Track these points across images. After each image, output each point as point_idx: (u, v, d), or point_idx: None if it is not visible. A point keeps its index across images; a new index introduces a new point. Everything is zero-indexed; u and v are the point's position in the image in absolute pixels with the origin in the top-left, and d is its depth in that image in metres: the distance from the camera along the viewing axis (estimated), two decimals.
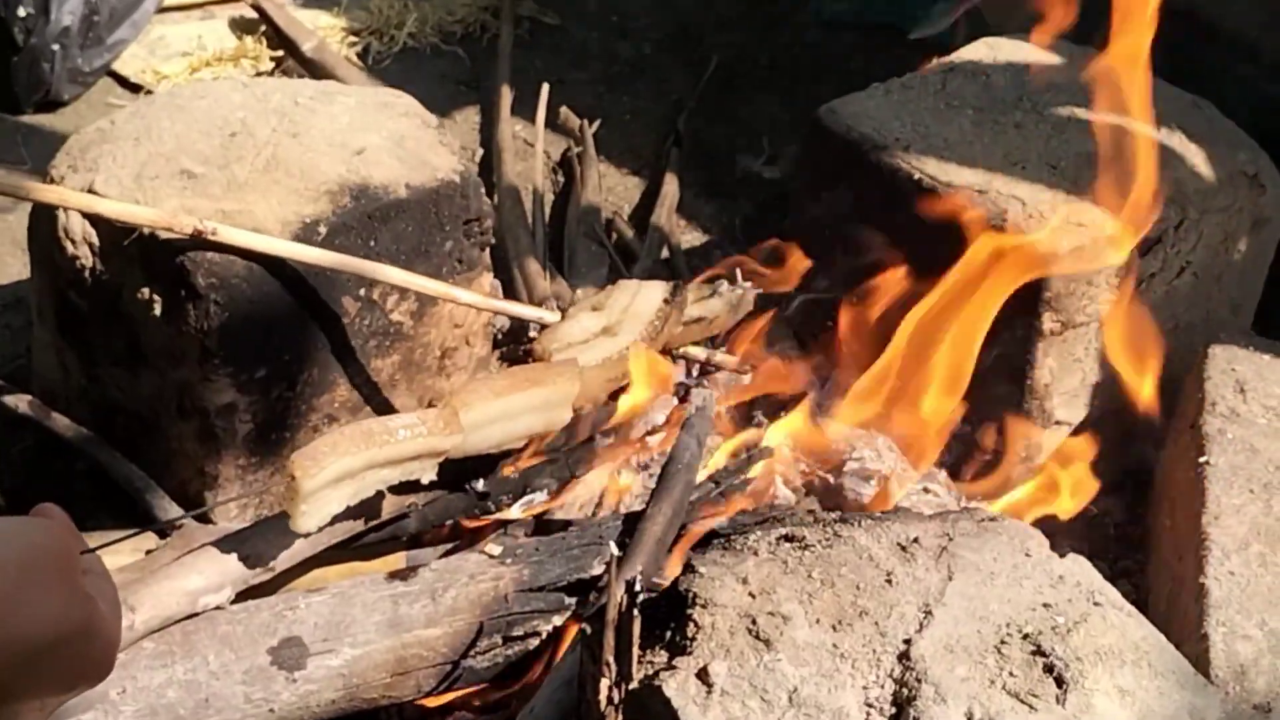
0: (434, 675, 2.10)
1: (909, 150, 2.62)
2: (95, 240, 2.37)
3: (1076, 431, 2.65)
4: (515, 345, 2.83)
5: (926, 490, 2.56)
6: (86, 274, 2.38)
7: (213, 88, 2.65)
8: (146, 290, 2.31)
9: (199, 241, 2.25)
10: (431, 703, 2.16)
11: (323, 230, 2.34)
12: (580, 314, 2.52)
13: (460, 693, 2.16)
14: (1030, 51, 2.90)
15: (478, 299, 2.55)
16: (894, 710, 1.65)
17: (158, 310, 2.31)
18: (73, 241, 2.38)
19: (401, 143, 2.53)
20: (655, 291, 2.54)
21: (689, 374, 2.68)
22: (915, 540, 1.89)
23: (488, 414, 2.23)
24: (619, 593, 1.72)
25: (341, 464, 2.03)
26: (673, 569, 2.13)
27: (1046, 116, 2.70)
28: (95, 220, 2.36)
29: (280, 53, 4.08)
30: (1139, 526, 2.66)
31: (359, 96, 2.67)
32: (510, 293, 3.03)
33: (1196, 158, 2.63)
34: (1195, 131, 2.69)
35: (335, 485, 2.03)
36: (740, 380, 2.67)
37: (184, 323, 2.29)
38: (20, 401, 2.57)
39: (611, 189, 3.74)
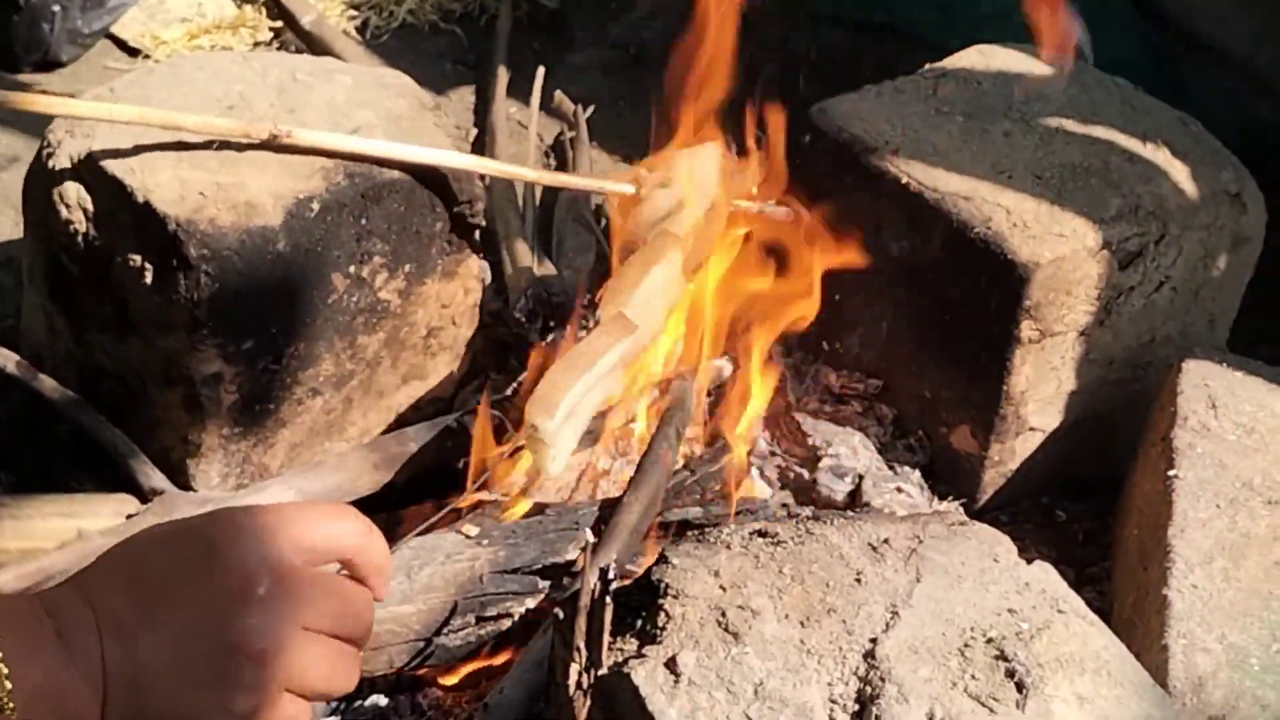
0: (406, 651, 2.13)
1: (897, 153, 2.64)
2: (90, 206, 2.39)
3: (1050, 438, 2.69)
4: (502, 327, 2.86)
5: (899, 490, 2.60)
6: (79, 239, 2.41)
7: (212, 60, 2.67)
8: (138, 258, 2.33)
9: (193, 208, 2.28)
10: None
11: (315, 206, 2.37)
12: (653, 193, 2.60)
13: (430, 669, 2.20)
14: (1022, 61, 2.93)
15: (572, 179, 2.93)
16: (857, 707, 1.68)
17: (149, 279, 2.33)
18: (67, 206, 2.40)
19: (397, 123, 2.56)
20: (710, 154, 2.64)
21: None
22: (886, 541, 1.92)
23: (638, 305, 2.39)
24: (592, 580, 1.75)
25: (569, 397, 2.19)
26: (646, 558, 2.17)
27: (1034, 127, 2.73)
28: (91, 186, 2.38)
29: (279, 23, 4.10)
30: (1107, 534, 2.69)
31: (356, 75, 2.69)
32: (498, 274, 3.06)
33: (1180, 174, 2.66)
34: (1180, 148, 2.72)
35: (566, 422, 2.19)
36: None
37: (174, 292, 2.31)
38: (8, 361, 2.59)
39: (603, 174, 3.77)
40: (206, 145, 2.39)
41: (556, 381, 2.23)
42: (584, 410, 2.29)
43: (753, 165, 2.75)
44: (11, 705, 0.90)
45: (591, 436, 2.41)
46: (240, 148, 2.39)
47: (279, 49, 4.06)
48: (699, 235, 2.62)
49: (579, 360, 2.28)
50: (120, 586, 0.97)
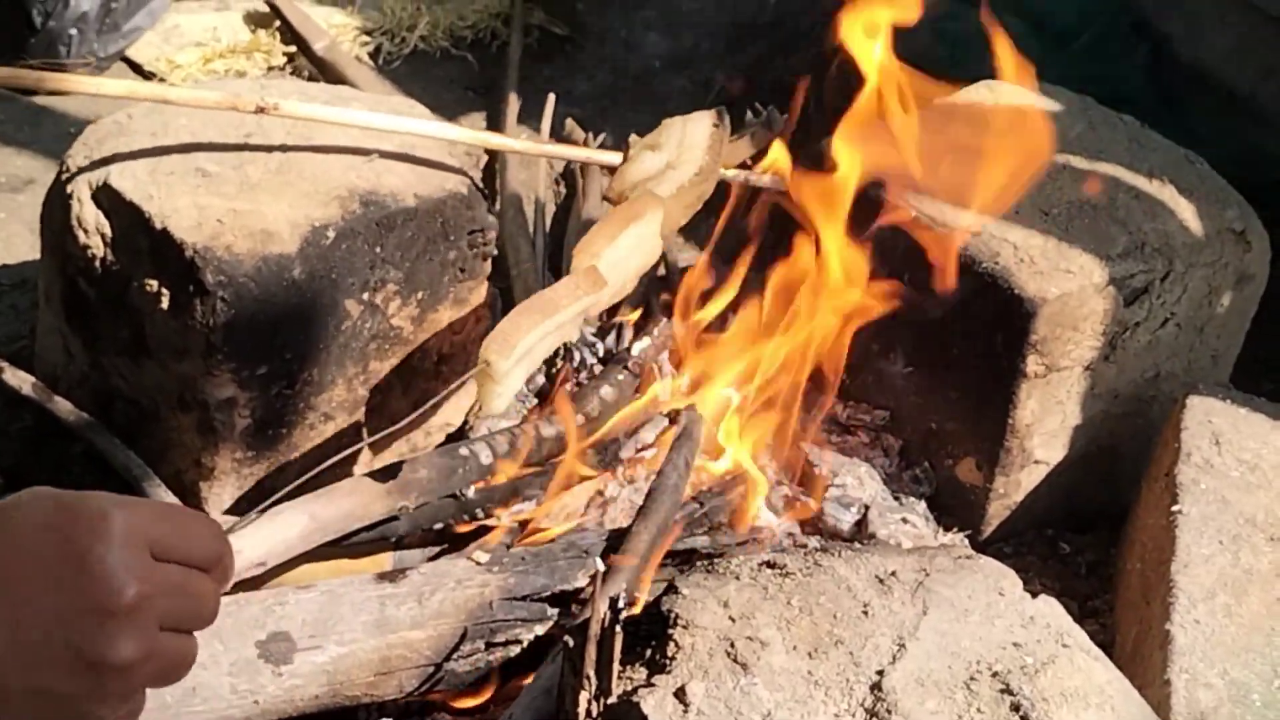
0: (416, 676, 2.15)
1: (905, 186, 2.67)
2: (107, 231, 2.41)
3: (1055, 471, 2.71)
4: None
5: (905, 521, 2.62)
6: (97, 263, 2.43)
7: (230, 87, 2.70)
8: (155, 283, 2.36)
9: (210, 234, 2.31)
10: None
11: (331, 234, 2.39)
12: (640, 154, 2.62)
13: (440, 695, 2.22)
14: (1029, 96, 2.95)
15: (561, 149, 2.97)
16: None
17: (165, 304, 2.35)
18: (85, 230, 2.43)
19: (411, 151, 2.58)
20: (702, 121, 2.65)
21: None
22: (893, 574, 1.94)
23: (612, 259, 2.40)
24: (602, 608, 1.77)
25: (526, 340, 2.21)
26: (654, 586, 2.19)
27: None
28: (109, 211, 2.41)
29: (293, 48, 4.13)
30: (1109, 567, 2.71)
31: (372, 104, 2.71)
32: (508, 301, 3.08)
33: (1186, 212, 2.68)
34: (1186, 186, 2.75)
35: (518, 363, 2.20)
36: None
37: (190, 317, 2.33)
38: (23, 382, 2.61)
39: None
40: (224, 172, 2.42)
41: (518, 323, 2.23)
42: (537, 353, 2.28)
43: (748, 137, 2.77)
44: None
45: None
46: (258, 174, 2.42)
47: (292, 74, 4.09)
48: (683, 198, 2.62)
49: (543, 306, 2.28)
50: None
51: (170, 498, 2.43)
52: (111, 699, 0.97)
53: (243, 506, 2.50)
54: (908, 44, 4.20)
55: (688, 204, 2.62)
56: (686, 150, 2.62)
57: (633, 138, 2.69)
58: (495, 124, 3.99)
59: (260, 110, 2.36)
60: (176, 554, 1.00)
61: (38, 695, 0.95)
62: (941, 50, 4.01)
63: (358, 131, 2.58)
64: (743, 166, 2.78)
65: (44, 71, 2.43)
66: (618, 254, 2.41)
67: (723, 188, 2.73)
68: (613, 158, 2.68)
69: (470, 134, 2.56)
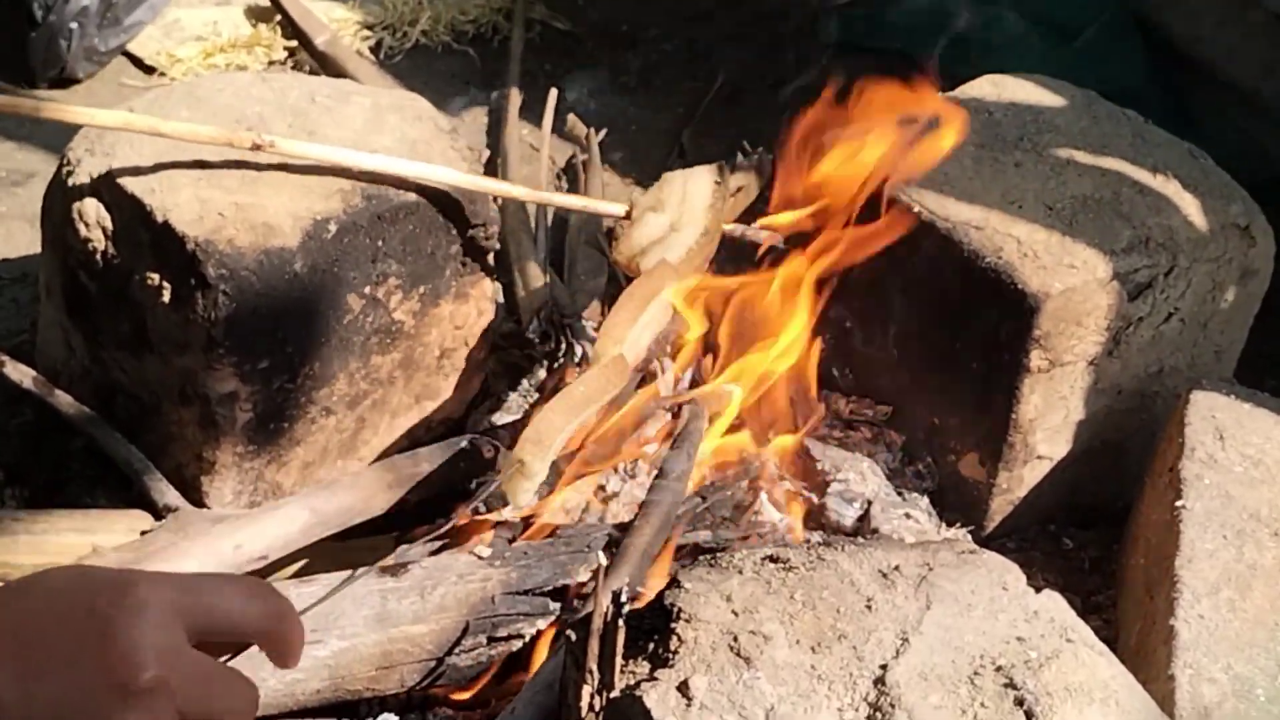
0: (418, 671, 2.15)
1: (909, 183, 2.66)
2: (109, 224, 2.41)
3: (1058, 466, 2.70)
4: (514, 348, 2.88)
5: (908, 516, 2.61)
6: (98, 257, 2.43)
7: (231, 80, 2.69)
8: (156, 277, 2.36)
9: (211, 227, 2.31)
10: None
11: (333, 228, 2.39)
12: (644, 216, 2.63)
13: (442, 689, 2.21)
14: (1034, 91, 2.95)
15: (563, 199, 2.94)
16: None
17: (166, 297, 2.35)
18: (86, 224, 2.43)
19: (414, 146, 2.58)
20: (703, 178, 2.66)
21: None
22: (896, 568, 1.93)
23: (635, 337, 2.48)
24: (605, 602, 1.77)
25: (559, 440, 2.26)
26: (656, 581, 2.19)
27: (1045, 157, 2.75)
28: (110, 204, 2.40)
29: (294, 43, 4.12)
30: (1113, 563, 2.71)
31: (374, 98, 2.71)
32: (511, 296, 3.08)
33: (1190, 207, 2.68)
34: (1190, 181, 2.74)
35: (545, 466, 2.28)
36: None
37: (192, 311, 2.33)
38: (24, 377, 2.61)
39: (614, 198, 3.78)
40: (226, 165, 2.41)
41: (551, 422, 2.26)
42: (559, 442, 2.32)
43: (746, 188, 2.77)
44: None
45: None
46: (259, 167, 2.41)
47: (293, 68, 4.08)
48: (691, 260, 2.63)
49: (575, 403, 2.31)
50: None
51: (172, 493, 2.43)
52: None
53: (244, 501, 2.50)
54: (910, 40, 4.22)
55: (695, 265, 2.64)
56: (689, 210, 2.63)
57: (634, 197, 2.69)
58: (497, 119, 3.98)
59: (256, 147, 2.35)
60: (216, 630, 0.97)
61: None
62: (950, 52, 4.01)
63: (359, 124, 2.58)
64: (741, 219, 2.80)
65: (40, 102, 2.42)
66: (636, 334, 2.48)
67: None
68: (616, 208, 2.68)
69: (473, 180, 2.54)
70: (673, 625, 1.81)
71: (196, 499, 2.47)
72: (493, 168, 3.69)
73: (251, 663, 1.00)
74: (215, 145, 2.38)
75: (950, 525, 2.69)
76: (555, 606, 2.21)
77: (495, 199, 2.68)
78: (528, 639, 2.20)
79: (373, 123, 2.60)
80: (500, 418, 2.72)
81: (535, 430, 2.25)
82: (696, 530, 2.43)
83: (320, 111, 2.59)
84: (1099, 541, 2.78)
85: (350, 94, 2.69)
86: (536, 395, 2.83)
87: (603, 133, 3.91)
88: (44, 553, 2.30)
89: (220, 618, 0.97)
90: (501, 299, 3.02)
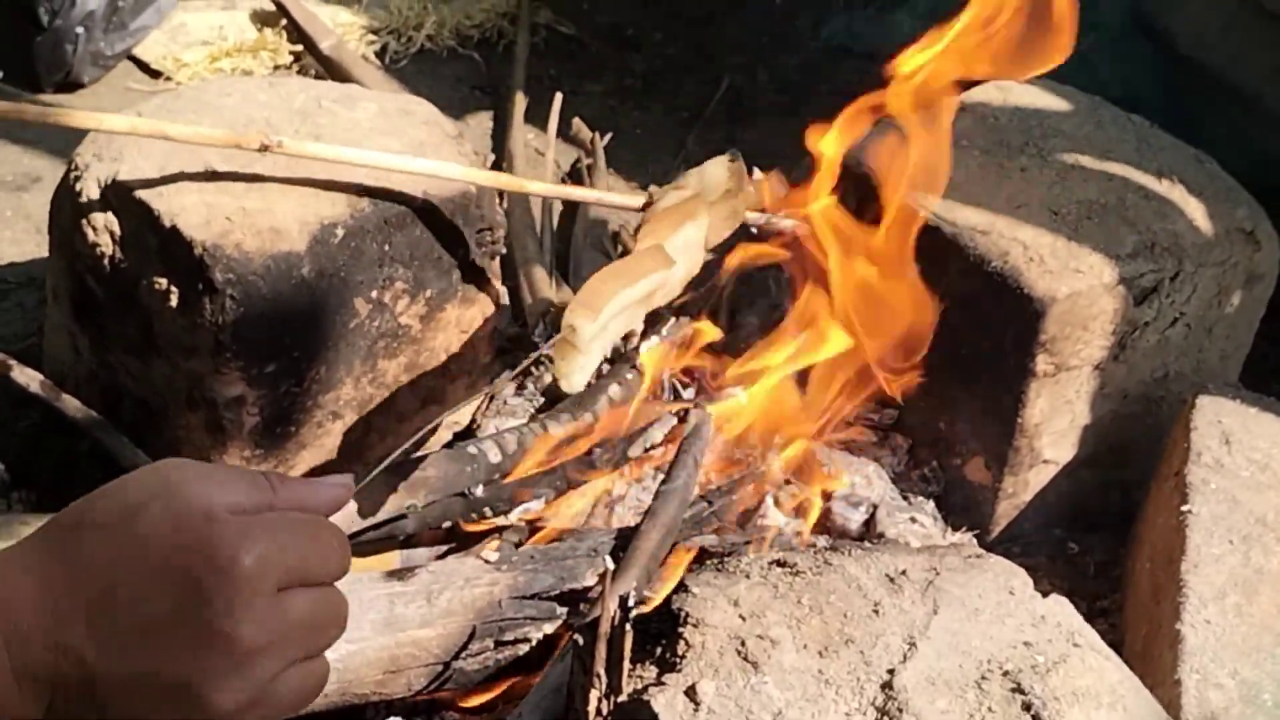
0: (425, 675, 2.15)
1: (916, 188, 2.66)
2: (116, 229, 2.41)
3: (1064, 471, 2.70)
4: (520, 352, 2.88)
5: (913, 520, 2.61)
6: (105, 262, 2.43)
7: (238, 85, 2.70)
8: (164, 281, 2.36)
9: (219, 232, 2.31)
10: None
11: (340, 233, 2.39)
12: (667, 193, 2.59)
13: (449, 693, 2.21)
14: (1039, 96, 2.95)
15: (581, 192, 2.84)
16: None
17: (174, 302, 2.35)
18: (94, 229, 2.43)
19: (421, 150, 2.58)
20: (718, 163, 2.63)
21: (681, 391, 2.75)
22: (903, 573, 1.94)
23: (675, 245, 2.37)
24: (612, 607, 1.77)
25: (610, 307, 2.15)
26: (663, 586, 2.19)
27: (1051, 162, 2.75)
28: (118, 209, 2.41)
29: (299, 47, 4.13)
30: (1118, 567, 2.71)
31: (381, 102, 2.71)
32: (516, 300, 3.08)
33: (1195, 211, 2.68)
34: (1196, 185, 2.74)
35: (598, 335, 2.15)
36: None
37: (199, 316, 2.33)
38: (31, 380, 2.61)
39: None
40: (233, 170, 2.42)
41: (600, 289, 2.18)
42: (612, 330, 2.23)
43: (767, 182, 2.76)
44: None
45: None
46: (266, 173, 2.42)
47: (299, 73, 4.09)
48: (719, 211, 2.60)
49: (621, 272, 2.25)
50: (84, 624, 0.90)
51: None
52: None
53: None
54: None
55: (723, 217, 2.61)
56: (708, 189, 2.62)
57: (652, 187, 2.69)
58: (502, 123, 3.99)
59: (264, 148, 2.34)
60: (306, 582, 0.96)
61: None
62: None
63: (365, 128, 2.58)
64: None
65: (47, 107, 2.41)
66: (679, 244, 2.40)
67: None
68: (634, 200, 2.67)
69: (485, 175, 2.52)
70: (680, 630, 1.82)
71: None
72: (498, 170, 3.69)
73: None
74: (223, 147, 2.38)
75: (956, 529, 2.69)
76: (562, 611, 2.22)
77: (500, 202, 2.68)
78: (534, 643, 2.20)
79: (379, 127, 2.61)
80: (506, 421, 2.72)
81: (584, 295, 2.14)
82: (703, 534, 2.43)
83: (326, 116, 2.59)
84: (1105, 546, 2.78)
85: (356, 98, 2.70)
86: (542, 399, 2.83)
87: (608, 137, 3.92)
88: None
89: (315, 569, 0.97)
90: (507, 302, 3.02)
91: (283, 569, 0.94)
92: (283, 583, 0.94)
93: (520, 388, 2.88)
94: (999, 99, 2.93)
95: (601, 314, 2.13)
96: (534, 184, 2.78)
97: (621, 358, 2.75)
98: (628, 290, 2.22)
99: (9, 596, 0.91)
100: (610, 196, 2.79)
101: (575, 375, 2.14)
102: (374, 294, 2.46)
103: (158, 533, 0.92)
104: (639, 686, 1.77)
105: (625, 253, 2.65)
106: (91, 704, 0.90)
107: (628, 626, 1.76)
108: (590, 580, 2.24)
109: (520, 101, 4.00)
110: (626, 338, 2.81)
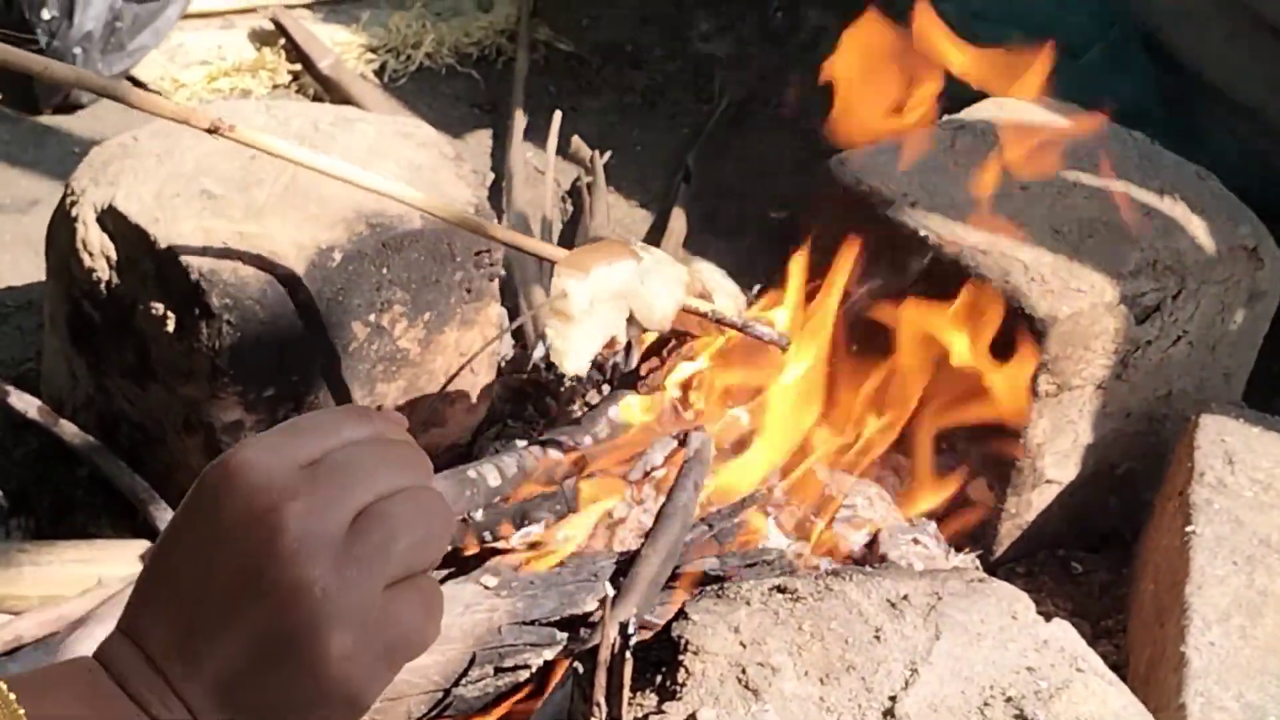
0: (425, 702, 2.14)
1: (916, 206, 2.65)
2: (113, 254, 2.41)
3: (1067, 490, 2.69)
4: (519, 374, 2.87)
5: (916, 542, 2.60)
6: (102, 286, 2.42)
7: (236, 109, 2.69)
8: (160, 306, 2.35)
9: (215, 257, 2.30)
10: None
11: (337, 256, 2.38)
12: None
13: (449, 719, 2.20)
14: (1038, 113, 2.94)
15: (510, 235, 2.55)
16: None
17: (170, 327, 2.34)
18: (90, 254, 2.42)
19: (418, 173, 2.57)
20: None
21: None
22: (905, 598, 1.92)
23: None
24: (612, 634, 1.76)
25: (596, 273, 2.11)
26: (665, 611, 2.18)
27: (1052, 181, 2.74)
28: (114, 234, 2.40)
29: (298, 66, 4.12)
30: (1123, 587, 2.69)
31: (379, 125, 2.70)
32: (515, 319, 3.07)
33: (1198, 229, 2.67)
34: (1198, 203, 2.73)
35: (590, 316, 2.11)
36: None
37: (196, 340, 2.32)
38: (29, 405, 2.60)
39: (619, 220, 3.78)
40: (230, 194, 2.41)
41: (583, 257, 2.15)
42: (600, 317, 2.19)
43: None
44: None
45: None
46: (263, 197, 2.40)
47: (297, 91, 4.09)
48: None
49: (598, 250, 2.22)
50: (201, 676, 0.85)
51: None
52: None
53: None
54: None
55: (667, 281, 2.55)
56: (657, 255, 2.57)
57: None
58: (502, 141, 3.98)
59: (214, 130, 2.26)
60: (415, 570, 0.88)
61: None
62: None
63: (362, 151, 2.57)
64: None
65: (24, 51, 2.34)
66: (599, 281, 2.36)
67: None
68: (561, 252, 2.59)
69: (439, 205, 2.44)
70: (680, 657, 1.80)
71: None
72: (498, 191, 3.69)
73: None
74: (174, 122, 2.24)
75: (959, 550, 2.68)
76: (562, 637, 2.20)
77: (500, 222, 2.67)
78: (534, 670, 2.18)
79: (377, 149, 2.60)
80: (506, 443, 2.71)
81: (570, 260, 2.11)
82: (704, 557, 2.42)
83: (324, 139, 2.59)
84: (1109, 565, 2.76)
85: (354, 121, 2.69)
86: (542, 421, 2.82)
87: (607, 155, 3.91)
88: (50, 583, 2.29)
89: (398, 565, 0.86)
90: (507, 324, 3.01)
91: (392, 572, 0.85)
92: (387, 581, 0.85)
93: (520, 411, 2.87)
94: (998, 116, 2.92)
95: (590, 276, 2.07)
96: (455, 214, 2.62)
97: (622, 379, 2.74)
98: (607, 267, 2.16)
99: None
100: (541, 246, 2.70)
101: (574, 349, 2.10)
102: (372, 317, 2.45)
103: (237, 535, 0.84)
104: (640, 715, 1.75)
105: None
106: None
107: (628, 654, 1.75)
108: (591, 605, 2.22)
109: (520, 119, 3.99)
110: (626, 349, 2.81)
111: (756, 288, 2.95)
